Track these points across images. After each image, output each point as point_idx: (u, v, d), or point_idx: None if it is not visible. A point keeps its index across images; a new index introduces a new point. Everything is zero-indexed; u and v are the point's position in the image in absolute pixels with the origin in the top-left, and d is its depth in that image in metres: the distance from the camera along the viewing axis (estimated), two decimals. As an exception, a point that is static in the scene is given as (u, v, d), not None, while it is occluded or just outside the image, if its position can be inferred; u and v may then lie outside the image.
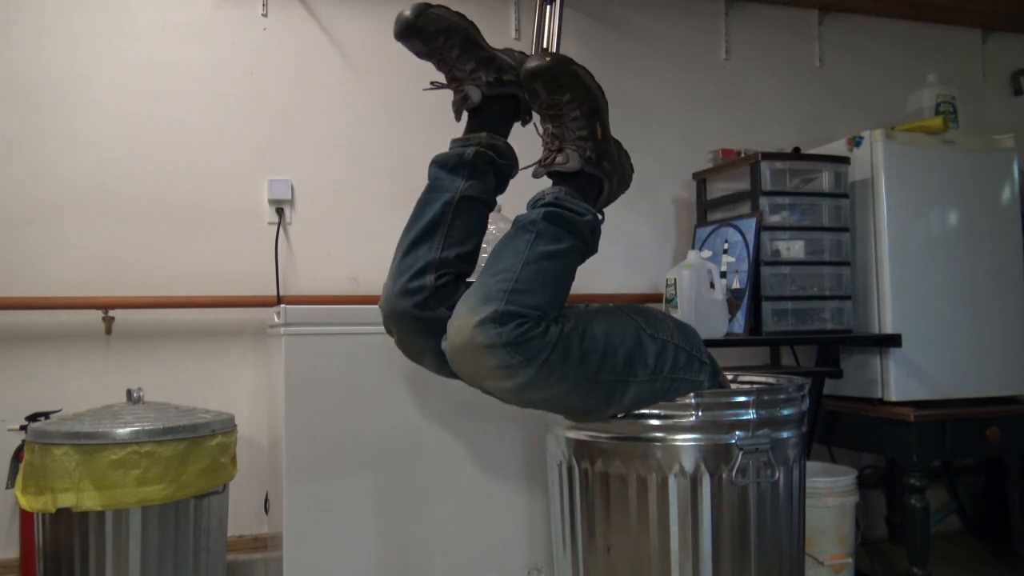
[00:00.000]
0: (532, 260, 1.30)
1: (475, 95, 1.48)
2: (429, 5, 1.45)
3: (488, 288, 1.26)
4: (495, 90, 1.49)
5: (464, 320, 1.25)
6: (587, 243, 1.41)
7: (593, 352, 1.31)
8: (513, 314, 1.23)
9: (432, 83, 1.55)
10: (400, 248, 1.44)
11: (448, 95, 1.55)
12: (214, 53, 2.44)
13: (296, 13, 2.51)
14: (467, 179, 1.45)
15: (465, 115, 1.53)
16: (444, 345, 1.31)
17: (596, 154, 1.43)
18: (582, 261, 1.42)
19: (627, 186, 1.59)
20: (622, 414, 1.39)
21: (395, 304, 1.40)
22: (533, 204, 1.40)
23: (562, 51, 2.40)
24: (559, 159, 1.41)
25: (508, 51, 1.57)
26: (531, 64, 1.36)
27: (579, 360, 1.29)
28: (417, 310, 1.38)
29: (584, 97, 1.40)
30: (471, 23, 1.50)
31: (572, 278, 1.38)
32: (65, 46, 2.31)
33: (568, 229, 1.36)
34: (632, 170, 1.59)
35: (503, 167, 1.50)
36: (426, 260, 1.40)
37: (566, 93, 1.38)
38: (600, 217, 1.44)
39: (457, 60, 1.47)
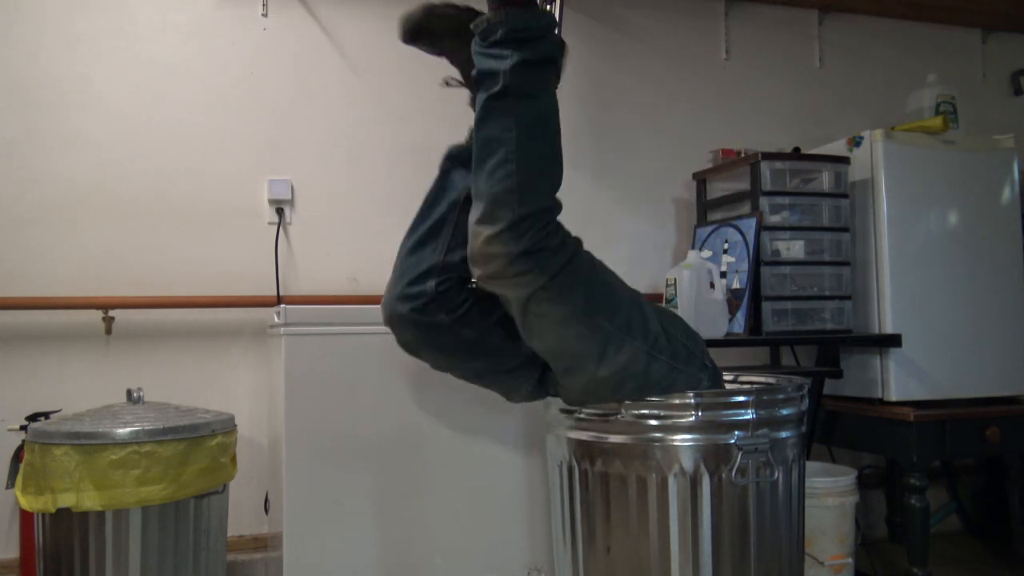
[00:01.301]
0: (524, 139, 1.28)
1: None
2: (434, 5, 1.43)
3: (495, 190, 1.27)
4: None
5: (481, 229, 1.27)
6: (558, 66, 1.37)
7: (599, 295, 1.34)
8: (529, 217, 1.25)
9: (446, 80, 1.53)
10: (404, 247, 1.44)
11: (451, 91, 1.55)
12: (214, 53, 2.44)
13: (296, 13, 2.51)
14: None
15: None
16: (467, 249, 1.32)
17: None
18: (559, 81, 1.38)
19: None
20: (622, 409, 1.38)
21: (395, 307, 1.41)
22: (483, 37, 1.30)
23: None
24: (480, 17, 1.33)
25: None
26: (401, 27, 1.42)
27: (585, 293, 1.32)
28: (416, 314, 1.39)
29: (454, 25, 1.41)
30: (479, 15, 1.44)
31: (558, 120, 1.35)
32: (65, 46, 2.31)
33: (539, 75, 1.31)
34: None
35: None
36: (430, 263, 1.40)
37: (444, 41, 1.41)
38: (553, 20, 1.35)
39: (468, 59, 1.43)
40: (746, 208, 2.41)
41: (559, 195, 1.36)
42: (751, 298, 2.24)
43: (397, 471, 1.94)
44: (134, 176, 2.34)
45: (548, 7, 1.55)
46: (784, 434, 1.42)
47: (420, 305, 1.39)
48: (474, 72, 1.33)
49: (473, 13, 1.40)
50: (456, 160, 1.46)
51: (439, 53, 1.48)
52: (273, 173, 2.46)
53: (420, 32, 1.43)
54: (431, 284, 1.39)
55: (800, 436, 1.48)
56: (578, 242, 1.36)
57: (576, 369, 1.40)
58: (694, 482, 1.35)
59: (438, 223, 1.42)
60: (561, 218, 1.42)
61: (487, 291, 1.43)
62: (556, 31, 1.36)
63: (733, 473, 1.35)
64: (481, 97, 1.30)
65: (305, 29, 2.52)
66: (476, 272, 1.33)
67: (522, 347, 1.46)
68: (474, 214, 1.30)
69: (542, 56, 1.31)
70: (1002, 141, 2.48)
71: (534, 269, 1.26)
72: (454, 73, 1.52)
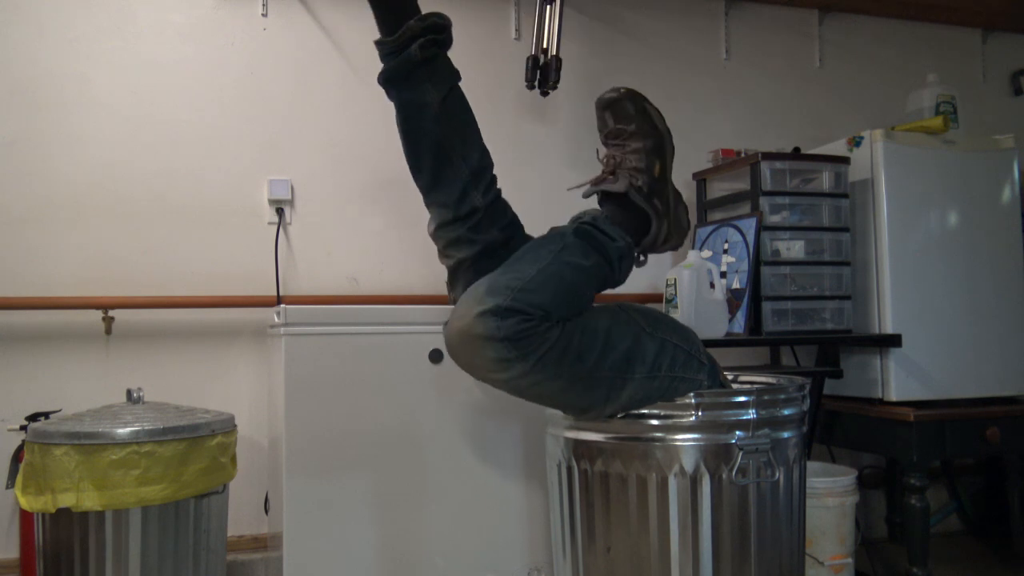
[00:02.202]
0: (551, 267, 1.30)
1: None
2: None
3: (497, 283, 1.26)
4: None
5: (467, 308, 1.24)
6: (612, 268, 1.40)
7: (591, 350, 1.31)
8: (516, 310, 1.22)
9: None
10: (423, 187, 1.41)
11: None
12: (214, 53, 2.44)
13: (296, 13, 2.51)
14: (430, 80, 1.38)
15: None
16: (443, 330, 1.30)
17: (648, 188, 1.44)
18: (603, 287, 1.41)
19: (680, 239, 1.55)
20: (621, 413, 1.39)
21: (453, 231, 1.39)
22: (573, 220, 1.41)
23: (561, 51, 2.42)
24: (608, 179, 1.44)
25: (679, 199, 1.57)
26: (603, 94, 1.44)
27: (576, 357, 1.29)
28: (471, 232, 1.39)
29: (649, 132, 1.43)
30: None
31: (588, 297, 1.36)
32: (65, 46, 2.31)
33: (596, 248, 1.36)
34: (689, 225, 1.57)
35: (447, 38, 1.42)
36: (461, 183, 1.38)
37: (632, 123, 1.42)
38: (636, 251, 1.44)
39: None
40: (746, 208, 2.41)
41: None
42: (751, 298, 2.24)
43: (397, 471, 1.94)
44: (134, 176, 2.34)
45: (548, 7, 1.55)
46: (785, 434, 1.42)
47: (475, 223, 1.38)
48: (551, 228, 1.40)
49: (666, 134, 1.46)
50: (396, 81, 1.40)
51: (607, 130, 1.49)
52: (273, 173, 2.46)
53: (616, 103, 1.47)
54: (476, 196, 1.39)
55: (801, 436, 1.48)
56: (560, 318, 1.30)
57: (584, 414, 1.42)
58: (694, 482, 1.35)
59: (435, 146, 1.38)
60: (561, 218, 1.42)
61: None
62: (631, 258, 1.43)
63: (734, 473, 1.35)
64: (545, 235, 1.38)
65: (305, 29, 2.52)
66: (460, 361, 1.29)
67: None
68: (461, 300, 1.28)
69: (605, 246, 1.38)
70: (1002, 141, 2.48)
71: (518, 357, 1.23)
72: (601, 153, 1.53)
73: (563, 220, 1.48)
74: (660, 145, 1.45)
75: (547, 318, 1.25)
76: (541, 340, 1.24)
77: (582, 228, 1.37)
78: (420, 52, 1.35)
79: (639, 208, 1.45)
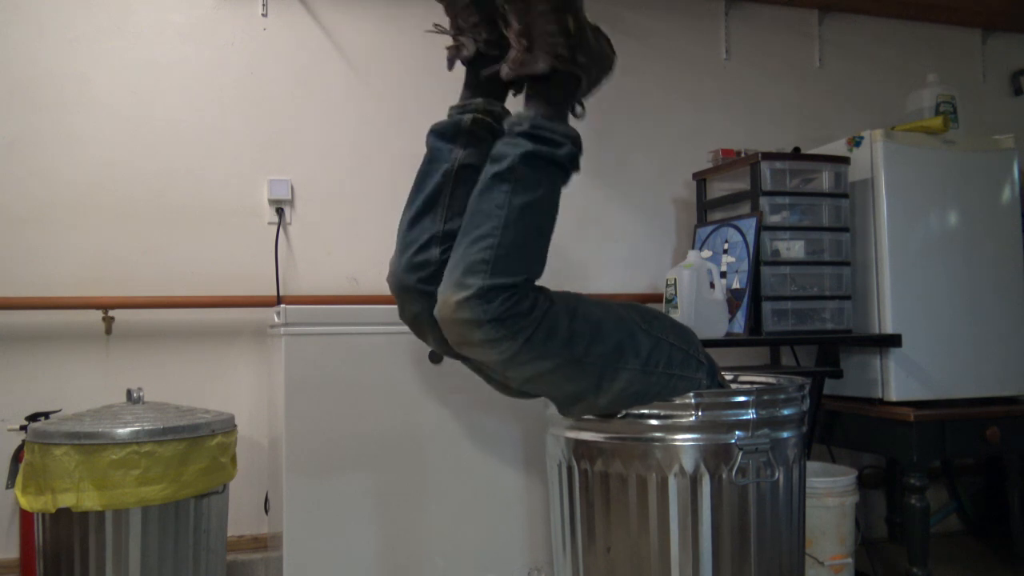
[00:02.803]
0: (512, 218, 1.29)
1: (469, 48, 1.45)
2: None
3: (470, 259, 1.26)
4: (492, 50, 1.44)
5: (450, 295, 1.26)
6: (566, 173, 1.38)
7: (581, 335, 1.31)
8: (498, 288, 1.23)
9: (435, 25, 1.50)
10: (403, 222, 1.43)
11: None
12: (214, 53, 2.44)
13: (296, 13, 2.51)
14: (465, 147, 1.42)
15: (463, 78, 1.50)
16: (435, 313, 1.31)
17: (569, 50, 1.36)
18: (564, 185, 1.39)
19: (608, 72, 1.50)
20: (620, 412, 1.39)
21: (402, 279, 1.40)
22: (508, 131, 1.36)
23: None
24: (527, 61, 1.34)
25: (599, 31, 1.53)
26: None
27: (566, 340, 1.30)
28: (423, 284, 1.38)
29: (558, 5, 1.33)
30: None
31: (553, 223, 1.36)
32: (65, 46, 2.31)
33: (546, 168, 1.34)
34: (613, 54, 1.51)
35: (498, 131, 1.45)
36: (430, 233, 1.39)
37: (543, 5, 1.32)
38: (577, 138, 1.38)
39: (463, 9, 1.44)
40: (746, 208, 2.41)
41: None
42: (751, 298, 2.24)
43: (397, 471, 1.94)
44: (134, 176, 2.34)
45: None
46: (785, 434, 1.42)
47: (427, 275, 1.37)
48: (493, 152, 1.36)
49: None
50: (441, 135, 1.45)
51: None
52: (273, 173, 2.46)
53: None
54: (435, 252, 1.38)
55: (801, 436, 1.48)
56: (549, 296, 1.33)
57: (574, 403, 1.41)
58: (694, 482, 1.35)
59: (433, 193, 1.41)
60: (560, 218, 1.42)
61: None
62: (578, 147, 1.39)
63: (733, 473, 1.35)
64: (487, 171, 1.34)
65: (305, 29, 2.52)
66: (450, 339, 1.32)
67: None
68: (445, 282, 1.29)
69: (554, 158, 1.34)
70: (1002, 141, 2.48)
71: (507, 336, 1.24)
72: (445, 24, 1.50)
73: (563, 219, 1.46)
74: (568, 5, 1.34)
75: (528, 284, 1.27)
76: (527, 319, 1.25)
77: (527, 154, 1.31)
78: (470, 124, 1.42)
79: (567, 73, 1.38)
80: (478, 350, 1.29)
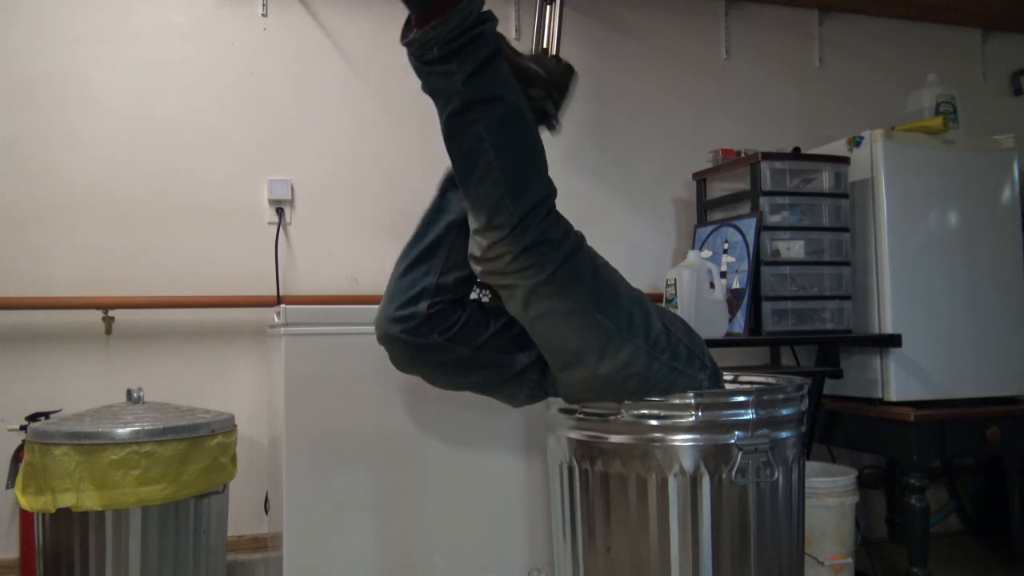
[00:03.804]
0: (498, 143, 1.25)
1: None
2: None
3: (488, 201, 1.26)
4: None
5: (483, 239, 1.27)
6: (491, 36, 1.24)
7: (600, 290, 1.34)
8: (528, 214, 1.25)
9: None
10: (398, 267, 1.43)
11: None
12: (214, 53, 2.44)
13: (296, 13, 2.51)
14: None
15: None
16: (469, 254, 1.32)
17: None
18: (496, 57, 1.28)
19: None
20: (622, 410, 1.38)
21: (387, 328, 1.41)
22: (422, 59, 1.24)
23: (561, 51, 2.42)
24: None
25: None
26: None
27: (586, 289, 1.32)
28: (408, 335, 1.39)
29: None
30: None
31: (527, 105, 1.32)
32: (65, 46, 2.31)
33: (491, 69, 1.25)
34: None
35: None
36: (423, 285, 1.39)
37: None
38: (472, 21, 1.22)
39: None
40: (746, 208, 2.41)
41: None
42: (751, 298, 2.24)
43: (397, 471, 1.94)
44: (134, 176, 2.34)
45: (548, 7, 1.53)
46: (784, 434, 1.42)
47: (412, 327, 1.38)
48: (424, 88, 1.29)
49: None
50: (454, 182, 1.44)
51: None
52: (273, 173, 2.46)
53: None
54: (423, 306, 1.38)
55: (800, 436, 1.48)
56: (581, 238, 1.37)
57: (576, 365, 1.39)
58: (694, 482, 1.35)
59: (434, 243, 1.42)
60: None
61: (479, 307, 1.45)
62: (482, 9, 1.23)
63: (733, 473, 1.35)
64: (442, 115, 1.27)
65: (305, 29, 2.52)
66: (478, 270, 1.33)
67: (517, 358, 1.47)
68: (474, 224, 1.29)
69: (487, 54, 1.24)
70: (1002, 141, 2.48)
71: (536, 263, 1.27)
72: None
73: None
74: None
75: (550, 197, 1.30)
76: (556, 250, 1.28)
77: (467, 82, 1.22)
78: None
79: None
80: (508, 278, 1.30)
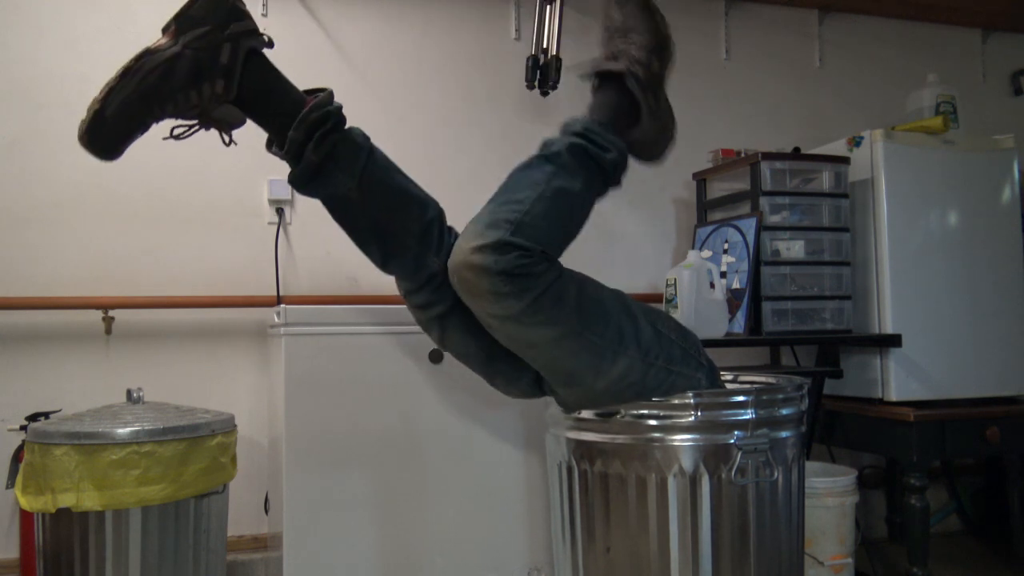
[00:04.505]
0: (547, 195, 1.31)
1: (232, 113, 1.31)
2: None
3: (496, 215, 1.27)
4: (242, 85, 1.28)
5: (466, 241, 1.26)
6: (607, 180, 1.42)
7: (586, 309, 1.32)
8: (515, 246, 1.23)
9: (173, 133, 1.33)
10: (377, 263, 1.48)
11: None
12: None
13: (296, 13, 2.51)
14: (338, 169, 1.33)
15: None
16: (448, 261, 1.32)
17: (645, 79, 1.44)
18: (600, 197, 1.43)
19: (665, 146, 1.56)
20: (620, 412, 1.39)
21: (415, 299, 1.46)
22: (563, 130, 1.41)
23: (562, 51, 2.42)
24: (607, 60, 1.44)
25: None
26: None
27: (572, 309, 1.30)
28: (436, 295, 1.42)
29: (652, 31, 1.45)
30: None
31: (585, 218, 1.39)
32: (65, 46, 2.31)
33: (589, 167, 1.37)
34: (674, 130, 1.56)
35: (337, 120, 1.35)
36: (412, 251, 1.42)
37: (637, 20, 1.44)
38: (626, 153, 1.44)
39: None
40: (746, 208, 2.41)
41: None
42: (751, 298, 2.24)
43: (397, 471, 1.94)
44: (134, 176, 2.35)
45: (548, 7, 1.57)
46: (784, 434, 1.42)
47: (437, 285, 1.40)
48: (544, 141, 1.40)
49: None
50: (302, 187, 1.37)
51: (615, 26, 1.50)
52: (273, 173, 2.46)
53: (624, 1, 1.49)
54: (432, 261, 1.39)
55: (800, 436, 1.48)
56: (559, 266, 1.33)
57: (572, 384, 1.40)
58: (694, 482, 1.35)
59: (371, 225, 1.41)
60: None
61: None
62: (624, 160, 1.43)
63: (733, 473, 1.35)
64: (532, 156, 1.38)
65: (305, 29, 2.52)
66: (458, 288, 1.31)
67: None
68: (464, 233, 1.29)
69: (599, 159, 1.37)
70: (1002, 141, 2.48)
71: (513, 292, 1.23)
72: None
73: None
74: (662, 46, 1.47)
75: (545, 255, 1.27)
76: (536, 280, 1.25)
77: (575, 145, 1.37)
78: (315, 154, 1.30)
79: (632, 97, 1.44)
80: (483, 301, 1.28)
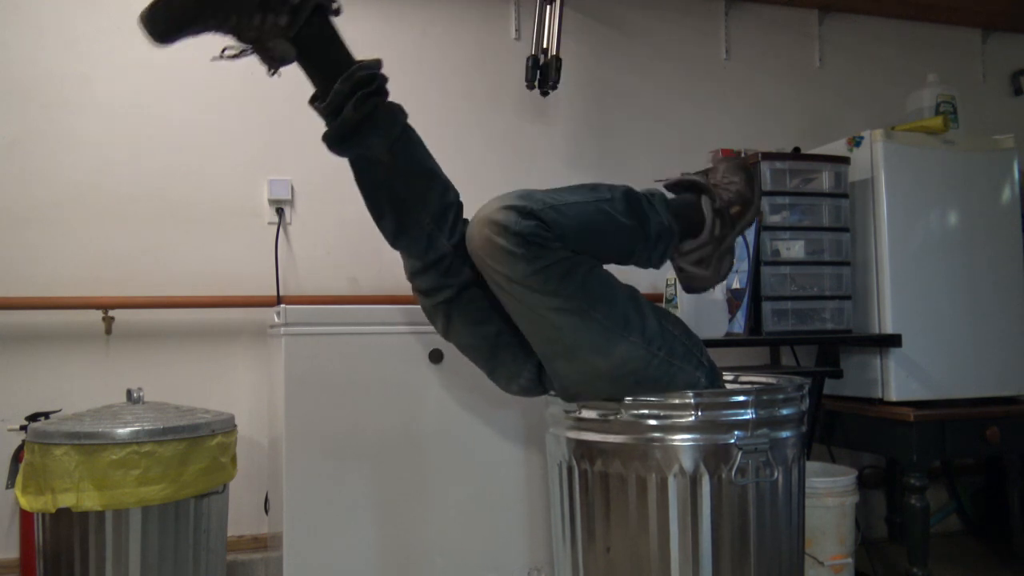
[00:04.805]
0: (588, 208, 1.35)
1: (286, 48, 1.32)
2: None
3: (534, 193, 1.30)
4: (303, 30, 1.30)
5: (496, 201, 1.28)
6: (646, 241, 1.44)
7: (593, 287, 1.33)
8: (537, 216, 1.26)
9: (225, 50, 1.34)
10: (388, 236, 1.48)
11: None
12: (214, 53, 2.43)
13: (296, 13, 2.51)
14: (373, 134, 1.37)
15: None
16: (473, 216, 1.33)
17: (722, 210, 1.53)
18: (630, 254, 1.46)
19: (711, 280, 1.59)
20: (621, 409, 1.38)
21: (421, 282, 1.46)
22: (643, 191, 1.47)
23: (561, 51, 2.42)
24: (701, 179, 1.55)
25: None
26: (734, 158, 1.66)
27: (579, 285, 1.31)
28: (444, 278, 1.44)
29: (747, 190, 1.58)
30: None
31: (608, 250, 1.41)
32: (65, 46, 2.31)
33: (636, 215, 1.40)
34: (724, 277, 1.63)
35: (382, 86, 1.38)
36: (426, 229, 1.42)
37: (738, 177, 1.58)
38: (673, 235, 1.48)
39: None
40: (746, 208, 2.40)
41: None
42: (751, 298, 2.24)
43: (397, 471, 1.94)
44: (134, 176, 2.35)
45: (548, 7, 1.58)
46: (784, 434, 1.42)
47: (445, 267, 1.41)
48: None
49: None
50: (335, 144, 1.40)
51: (719, 178, 1.61)
52: (273, 173, 2.46)
53: (735, 164, 1.61)
54: (443, 242, 1.40)
55: (800, 436, 1.48)
56: (574, 249, 1.35)
57: (573, 358, 1.38)
58: (694, 482, 1.35)
59: (392, 196, 1.42)
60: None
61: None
62: (666, 242, 1.48)
63: (733, 473, 1.35)
64: (594, 183, 1.44)
65: (305, 29, 2.52)
66: (474, 243, 1.31)
67: None
68: (495, 198, 1.31)
69: (648, 217, 1.43)
70: (1002, 141, 2.48)
71: (525, 256, 1.26)
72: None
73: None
74: (748, 202, 1.58)
75: (562, 239, 1.28)
76: (550, 252, 1.27)
77: (631, 193, 1.42)
78: (355, 112, 1.33)
79: (702, 213, 1.52)
80: (495, 260, 1.29)
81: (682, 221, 1.50)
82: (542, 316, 1.34)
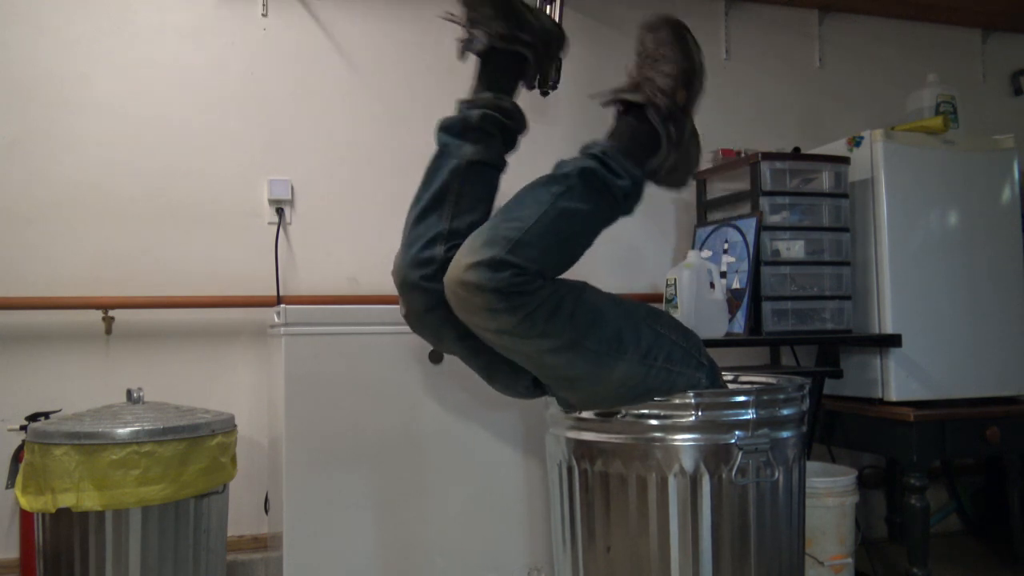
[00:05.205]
0: (550, 215, 1.30)
1: (481, 41, 1.44)
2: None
3: (496, 232, 1.26)
4: (505, 44, 1.45)
5: (463, 257, 1.25)
6: (616, 207, 1.40)
7: (583, 317, 1.30)
8: (510, 264, 1.22)
9: (448, 13, 1.50)
10: (410, 217, 1.42)
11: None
12: (214, 53, 2.44)
13: (296, 13, 2.51)
14: (474, 143, 1.42)
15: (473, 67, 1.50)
16: (445, 277, 1.30)
17: (667, 111, 1.44)
18: (608, 224, 1.42)
19: (685, 175, 1.55)
20: (622, 412, 1.39)
21: (407, 274, 1.38)
22: (580, 152, 1.41)
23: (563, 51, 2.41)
24: (628, 88, 1.46)
25: (540, 12, 1.57)
26: (648, 18, 1.50)
27: (567, 320, 1.28)
28: (426, 282, 1.36)
29: (682, 60, 1.48)
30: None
31: (588, 242, 1.38)
32: (65, 46, 2.31)
33: (599, 190, 1.37)
34: (698, 163, 1.58)
35: (511, 127, 1.46)
36: (436, 230, 1.38)
37: (668, 49, 1.48)
38: (641, 182, 1.43)
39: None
40: (746, 208, 2.40)
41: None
42: (751, 298, 2.24)
43: (397, 471, 1.94)
44: (134, 176, 2.34)
45: (548, 7, 1.58)
46: (784, 434, 1.42)
47: (430, 272, 1.36)
48: (558, 162, 1.40)
49: None
50: (449, 131, 1.45)
51: (646, 52, 1.52)
52: (273, 173, 2.46)
53: (657, 28, 1.51)
54: (440, 249, 1.36)
55: (800, 436, 1.48)
56: (556, 281, 1.32)
57: (574, 389, 1.40)
58: (694, 482, 1.35)
59: (440, 191, 1.40)
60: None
61: None
62: (639, 189, 1.43)
63: (733, 473, 1.35)
64: (546, 174, 1.38)
65: (305, 29, 2.52)
66: (453, 303, 1.30)
67: None
68: (462, 248, 1.28)
69: (610, 185, 1.37)
70: (1002, 141, 2.48)
71: (507, 309, 1.23)
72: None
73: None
74: (690, 75, 1.49)
75: (541, 274, 1.26)
76: (531, 295, 1.24)
77: (587, 169, 1.37)
78: (478, 120, 1.42)
79: (652, 128, 1.45)
80: (477, 317, 1.27)
81: (637, 150, 1.44)
82: (536, 358, 1.34)
